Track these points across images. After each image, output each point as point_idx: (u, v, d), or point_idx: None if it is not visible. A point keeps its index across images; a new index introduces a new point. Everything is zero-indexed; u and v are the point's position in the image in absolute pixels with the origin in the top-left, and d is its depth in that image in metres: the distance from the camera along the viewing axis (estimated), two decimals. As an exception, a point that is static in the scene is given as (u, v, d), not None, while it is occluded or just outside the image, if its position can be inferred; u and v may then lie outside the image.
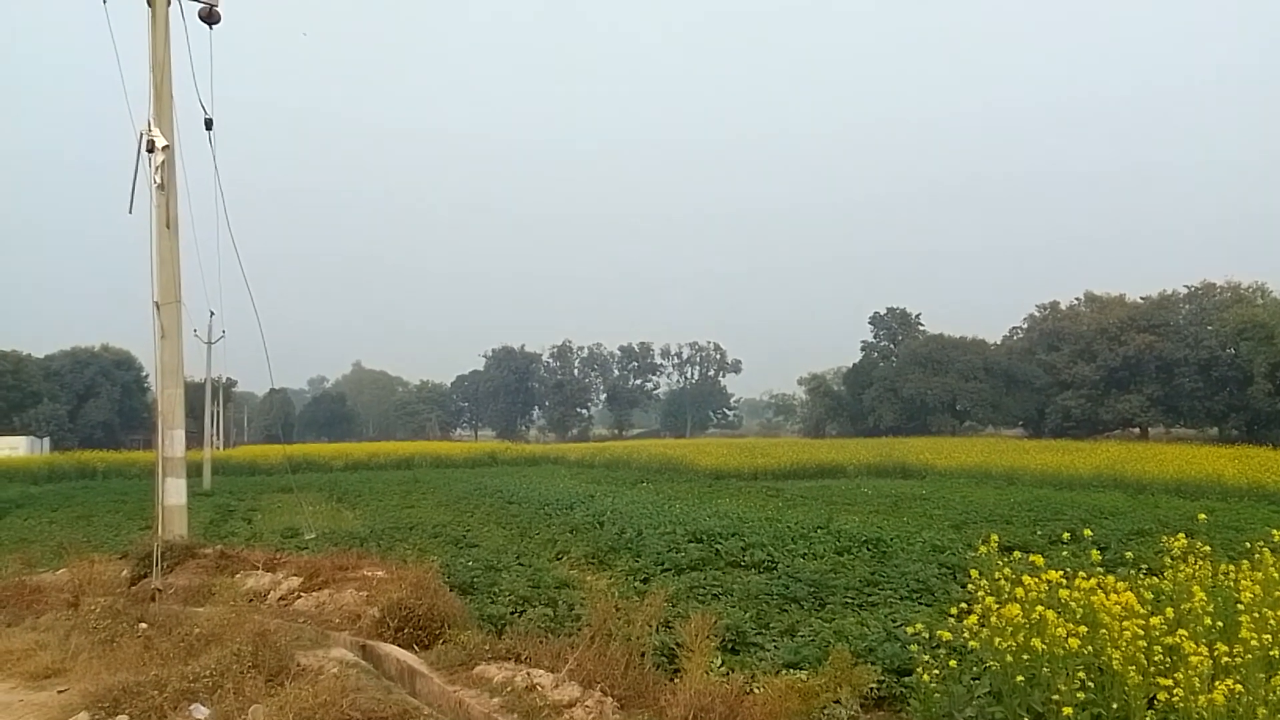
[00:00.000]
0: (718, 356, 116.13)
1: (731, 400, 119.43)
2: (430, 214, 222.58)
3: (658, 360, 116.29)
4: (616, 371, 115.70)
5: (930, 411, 70.60)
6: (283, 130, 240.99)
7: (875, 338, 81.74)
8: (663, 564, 13.71)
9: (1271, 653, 5.15)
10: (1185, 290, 63.86)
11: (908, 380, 71.56)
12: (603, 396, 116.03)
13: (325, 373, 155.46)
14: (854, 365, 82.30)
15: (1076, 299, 70.83)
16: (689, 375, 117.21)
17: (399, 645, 8.07)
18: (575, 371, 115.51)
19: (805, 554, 14.17)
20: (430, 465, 51.56)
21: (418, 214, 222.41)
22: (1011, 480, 31.52)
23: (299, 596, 10.42)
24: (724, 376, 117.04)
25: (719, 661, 7.60)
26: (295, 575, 10.99)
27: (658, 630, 7.99)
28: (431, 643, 8.13)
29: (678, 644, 7.17)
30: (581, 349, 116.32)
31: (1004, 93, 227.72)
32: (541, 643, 7.43)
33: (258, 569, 11.35)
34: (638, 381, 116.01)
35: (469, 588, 11.50)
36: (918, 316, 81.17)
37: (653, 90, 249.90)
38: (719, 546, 14.93)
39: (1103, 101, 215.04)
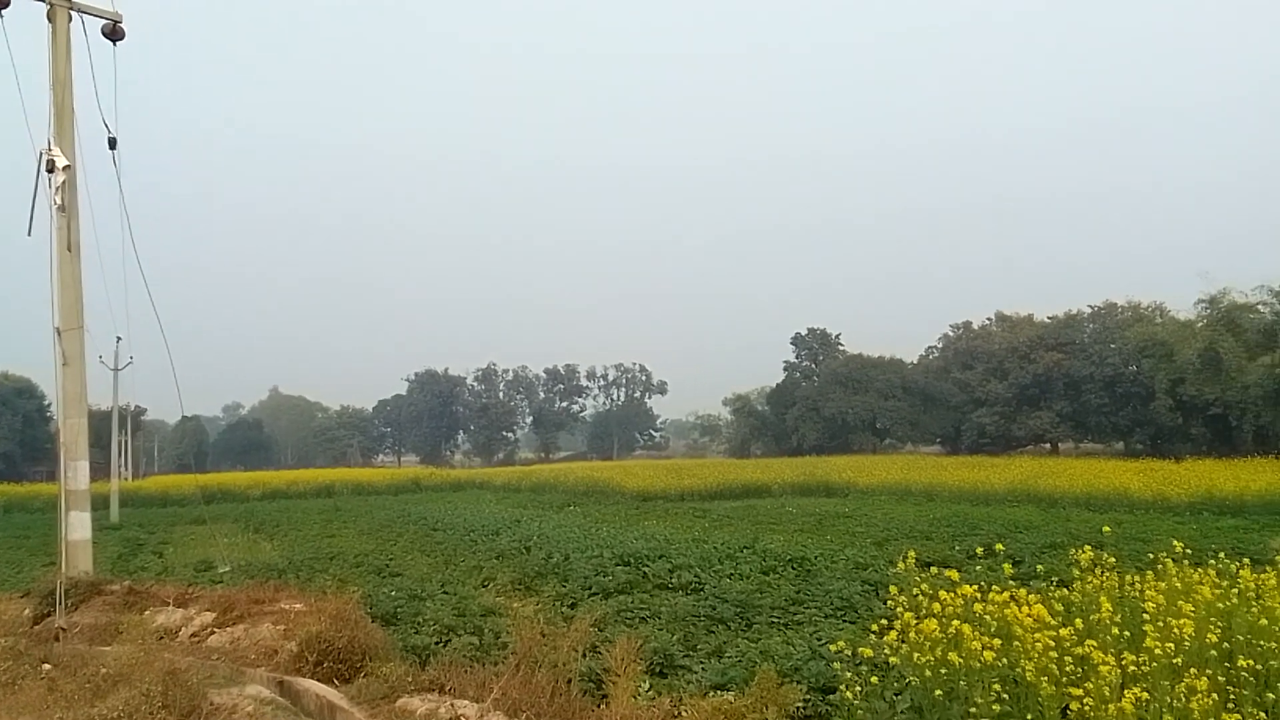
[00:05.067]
0: (644, 378, 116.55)
1: (658, 421, 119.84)
2: (351, 234, 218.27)
3: (584, 382, 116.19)
4: (542, 394, 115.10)
5: (851, 430, 71.88)
6: (195, 144, 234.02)
7: (797, 358, 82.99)
8: (590, 588, 13.64)
9: (1175, 660, 5.38)
10: (1090, 310, 66.43)
11: (829, 399, 72.79)
12: (528, 419, 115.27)
13: (241, 399, 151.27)
14: (777, 385, 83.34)
15: (988, 319, 73.10)
16: (615, 397, 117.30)
17: (318, 680, 7.85)
18: (500, 395, 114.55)
19: (732, 574, 14.25)
20: (352, 492, 50.41)
21: (337, 234, 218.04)
22: (931, 496, 32.24)
23: (212, 632, 10.07)
24: (650, 398, 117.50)
25: (646, 685, 7.59)
26: (208, 610, 10.63)
27: (584, 656, 7.95)
28: (353, 676, 7.93)
29: (605, 669, 7.15)
30: (507, 372, 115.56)
31: (906, 130, 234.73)
32: (466, 672, 7.32)
33: (168, 605, 10.95)
34: (564, 404, 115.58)
35: (392, 618, 11.27)
36: (838, 337, 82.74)
37: (573, 116, 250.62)
38: (646, 569, 14.93)
39: (1008, 135, 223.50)
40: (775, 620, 10.97)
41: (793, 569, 14.72)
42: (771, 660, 8.22)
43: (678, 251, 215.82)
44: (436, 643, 9.75)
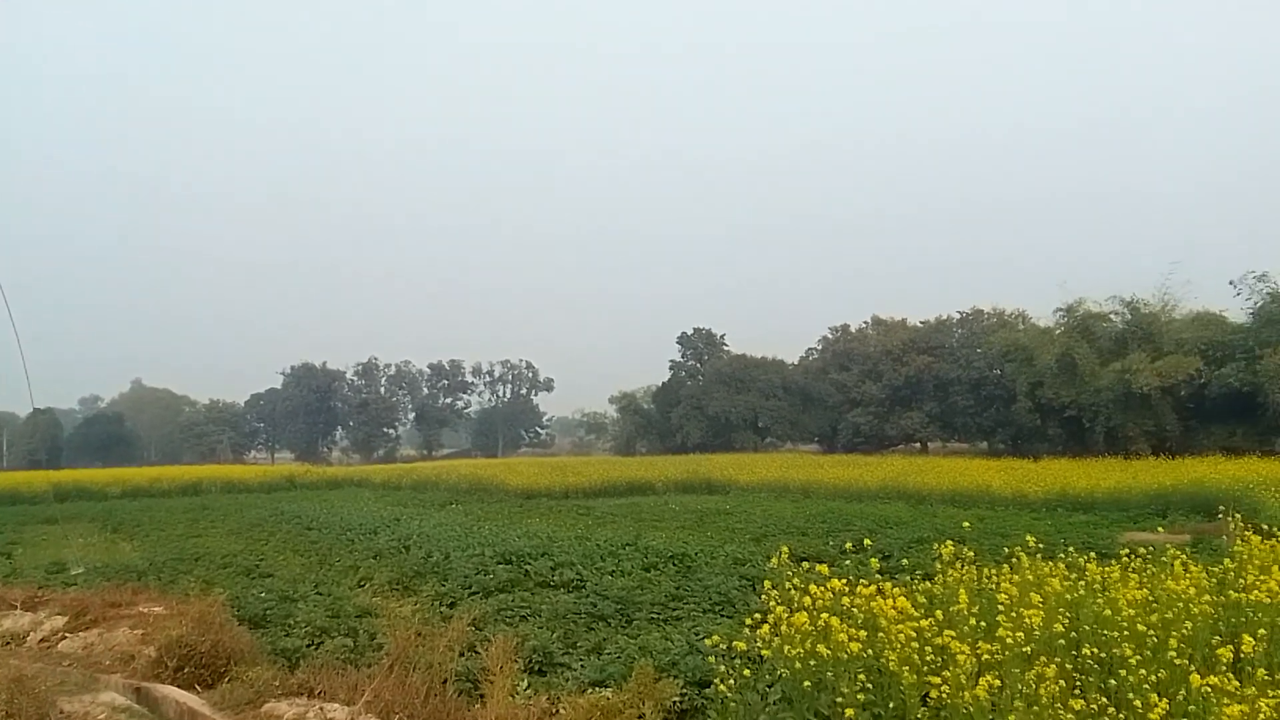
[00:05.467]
0: (530, 375, 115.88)
1: (544, 419, 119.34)
2: (223, 216, 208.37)
3: (469, 378, 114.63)
4: (425, 390, 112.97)
5: (734, 428, 73.28)
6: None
7: (683, 357, 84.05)
8: (470, 587, 13.49)
9: (1026, 649, 5.71)
10: (958, 315, 69.75)
11: (713, 398, 74.01)
12: (411, 416, 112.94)
13: (100, 391, 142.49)
14: (663, 384, 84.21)
15: (865, 322, 75.77)
16: (501, 394, 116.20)
17: (179, 686, 7.52)
18: (382, 390, 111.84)
19: (614, 571, 14.33)
20: (221, 490, 48.24)
21: (208, 216, 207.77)
22: (808, 493, 33.12)
23: (64, 637, 9.52)
24: (536, 395, 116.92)
25: (525, 684, 7.56)
26: (60, 614, 10.05)
27: (462, 655, 7.87)
28: (216, 681, 7.64)
29: (482, 669, 7.09)
30: (389, 366, 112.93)
31: (790, 136, 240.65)
32: (339, 675, 7.14)
33: (15, 608, 10.28)
34: (448, 400, 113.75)
35: (261, 620, 10.87)
36: (722, 337, 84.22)
37: (468, 97, 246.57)
38: (528, 567, 14.86)
39: (885, 145, 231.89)
40: (655, 616, 11.09)
41: (674, 565, 14.90)
42: (650, 656, 8.31)
43: (567, 250, 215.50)
44: (308, 645, 9.46)
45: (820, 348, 77.78)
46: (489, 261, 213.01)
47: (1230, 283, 49.42)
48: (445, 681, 6.53)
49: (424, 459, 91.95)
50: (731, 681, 5.85)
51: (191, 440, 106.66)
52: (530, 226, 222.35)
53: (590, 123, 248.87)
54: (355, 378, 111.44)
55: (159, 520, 28.69)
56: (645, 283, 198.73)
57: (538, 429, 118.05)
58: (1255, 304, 47.76)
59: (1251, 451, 38.27)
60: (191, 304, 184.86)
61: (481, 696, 6.44)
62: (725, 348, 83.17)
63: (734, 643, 6.20)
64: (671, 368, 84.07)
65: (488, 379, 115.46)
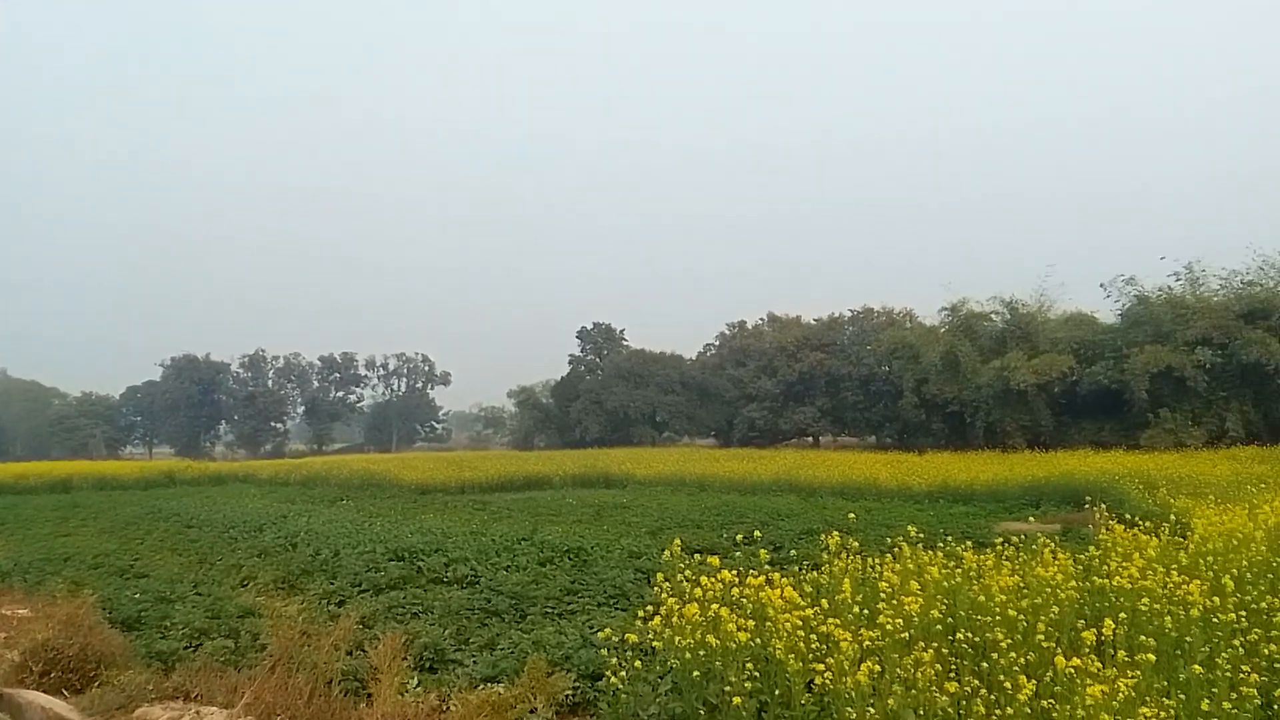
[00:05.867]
0: (426, 368, 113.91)
1: (440, 413, 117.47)
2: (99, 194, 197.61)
3: (362, 372, 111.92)
4: (316, 383, 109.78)
5: (632, 423, 73.67)
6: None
7: (582, 352, 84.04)
8: (360, 585, 13.18)
9: (905, 635, 5.92)
10: (850, 314, 71.81)
11: (612, 393, 74.23)
12: (300, 410, 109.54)
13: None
14: (562, 378, 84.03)
15: (761, 319, 77.25)
16: (395, 387, 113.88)
17: (45, 691, 7.11)
18: (269, 383, 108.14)
19: (509, 566, 14.22)
20: (93, 487, 45.74)
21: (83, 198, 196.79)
22: (703, 487, 33.51)
23: (-86, 645, 8.86)
24: (432, 389, 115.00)
25: (415, 682, 7.44)
26: (-90, 621, 9.36)
27: (349, 654, 7.69)
28: (86, 686, 7.26)
29: (371, 667, 6.94)
30: (277, 359, 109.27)
31: (699, 134, 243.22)
32: (218, 677, 6.89)
33: None
34: (340, 394, 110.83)
35: (135, 623, 10.39)
36: (622, 332, 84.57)
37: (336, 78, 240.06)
38: (421, 563, 14.61)
39: (775, 148, 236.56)
40: (550, 610, 11.06)
41: (569, 559, 14.88)
42: (543, 650, 8.29)
43: (465, 242, 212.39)
44: (185, 647, 9.09)
45: (718, 344, 78.92)
46: (385, 252, 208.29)
47: (1101, 285, 52.43)
48: (331, 682, 6.36)
49: (314, 454, 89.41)
50: (623, 673, 5.89)
51: (61, 435, 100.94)
52: (426, 213, 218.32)
53: (491, 111, 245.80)
54: (241, 370, 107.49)
55: (25, 518, 27.07)
56: (545, 276, 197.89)
57: (434, 423, 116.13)
58: (1123, 306, 50.80)
59: (1118, 445, 40.64)
60: (64, 295, 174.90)
61: (369, 696, 6.31)
62: (625, 342, 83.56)
63: (626, 635, 6.24)
64: (571, 362, 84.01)
65: (382, 372, 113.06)
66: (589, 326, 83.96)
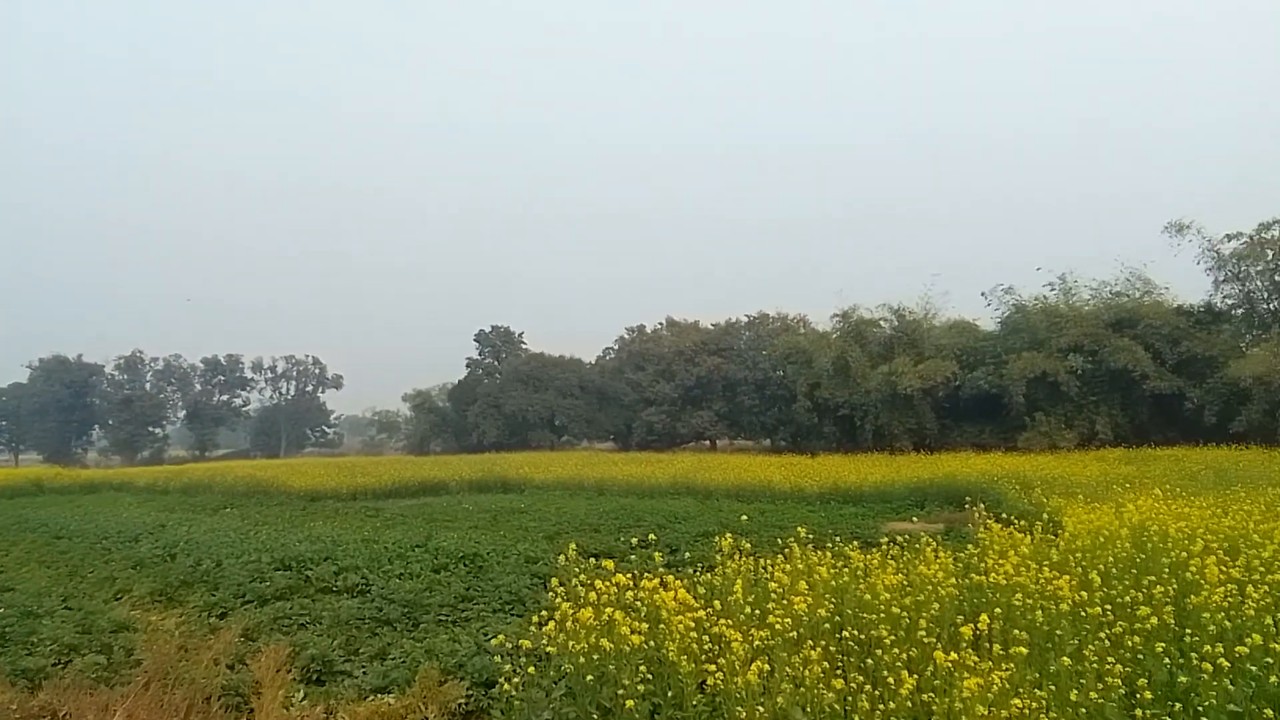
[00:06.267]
0: (317, 371, 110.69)
1: (332, 417, 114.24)
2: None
3: (249, 374, 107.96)
4: (199, 386, 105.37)
5: (531, 427, 73.19)
6: None
7: (480, 355, 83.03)
8: (244, 596, 12.71)
9: (791, 635, 6.06)
10: (746, 319, 73.11)
11: (510, 397, 73.60)
12: (182, 414, 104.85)
13: None
14: (459, 382, 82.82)
15: (660, 323, 77.79)
16: (285, 391, 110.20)
17: (-111, 719, 6.61)
18: (148, 386, 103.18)
19: (402, 574, 13.94)
20: (-49, 497, 42.83)
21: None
22: (602, 491, 33.52)
23: None
24: (324, 392, 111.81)
25: (301, 695, 7.23)
26: None
27: (230, 668, 7.41)
28: (-63, 712, 6.76)
29: (253, 681, 6.70)
30: (156, 360, 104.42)
31: (586, 139, 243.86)
32: (88, 695, 6.52)
33: None
34: (224, 397, 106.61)
35: (-1, 640, 9.77)
36: (521, 335, 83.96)
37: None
38: (310, 572, 14.18)
39: (674, 152, 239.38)
40: (444, 618, 10.89)
41: (465, 566, 14.68)
42: (436, 658, 8.16)
43: (357, 243, 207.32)
44: (54, 664, 8.59)
45: (617, 348, 79.12)
46: (275, 251, 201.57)
47: (982, 294, 54.88)
48: (210, 698, 6.11)
49: (196, 460, 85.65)
50: (516, 680, 5.85)
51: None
52: (319, 217, 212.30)
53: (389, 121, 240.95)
54: (117, 372, 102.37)
55: None
56: (443, 279, 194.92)
57: (325, 428, 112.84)
58: (1003, 314, 53.27)
59: (997, 447, 42.54)
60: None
61: (250, 711, 6.08)
62: (524, 346, 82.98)
63: (520, 641, 6.20)
64: (468, 365, 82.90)
65: (270, 375, 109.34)
66: (487, 330, 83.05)
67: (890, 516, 22.08)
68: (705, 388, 67.95)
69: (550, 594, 6.74)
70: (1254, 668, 5.70)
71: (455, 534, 19.78)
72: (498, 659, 6.24)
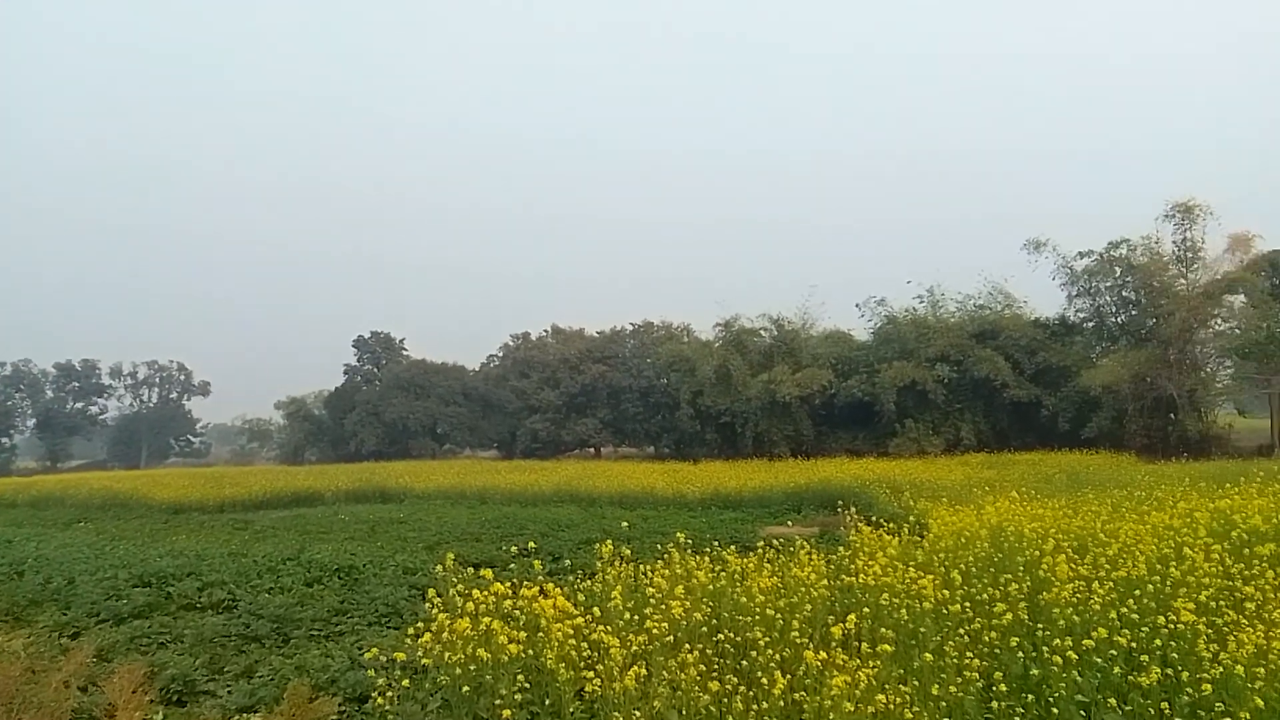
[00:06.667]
0: (182, 377, 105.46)
1: (198, 426, 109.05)
2: None
3: (106, 381, 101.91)
4: (50, 393, 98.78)
5: (412, 435, 71.69)
6: None
7: (359, 361, 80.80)
8: (99, 614, 11.97)
9: (669, 639, 6.14)
10: (631, 327, 73.56)
11: (390, 404, 71.89)
12: (31, 423, 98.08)
13: None
14: (336, 389, 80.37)
15: (545, 330, 77.46)
16: (146, 398, 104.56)
17: None
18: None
19: (272, 588, 13.41)
20: None
21: None
22: (484, 499, 33.08)
23: None
24: (189, 399, 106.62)
25: (160, 716, 6.89)
26: None
27: (83, 691, 6.99)
28: None
29: (107, 704, 6.34)
30: (3, 365, 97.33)
31: (459, 142, 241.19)
32: (-84, 729, 6.03)
33: None
34: (79, 405, 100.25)
35: None
36: (402, 341, 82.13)
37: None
38: (171, 589, 13.49)
39: (559, 155, 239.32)
40: (317, 633, 10.54)
41: (340, 578, 14.26)
42: (307, 674, 7.90)
43: (231, 242, 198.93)
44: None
45: (501, 355, 78.36)
46: (135, 251, 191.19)
47: (857, 305, 56.98)
48: (58, 723, 5.75)
49: (47, 472, 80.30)
50: (390, 693, 5.72)
51: None
52: (179, 214, 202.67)
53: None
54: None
55: None
56: (319, 282, 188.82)
57: (190, 437, 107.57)
58: (875, 325, 55.45)
59: (870, 453, 44.17)
60: None
61: (104, 735, 5.76)
62: (405, 352, 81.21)
63: (395, 654, 6.07)
64: (346, 372, 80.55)
65: (130, 381, 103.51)
66: (366, 336, 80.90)
67: (768, 521, 22.59)
68: (590, 395, 68.02)
69: (427, 605, 6.62)
70: (1100, 659, 6.10)
71: (330, 546, 19.17)
72: (371, 673, 6.09)
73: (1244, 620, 6.28)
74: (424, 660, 5.90)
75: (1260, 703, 5.12)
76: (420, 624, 6.44)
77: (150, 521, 28.47)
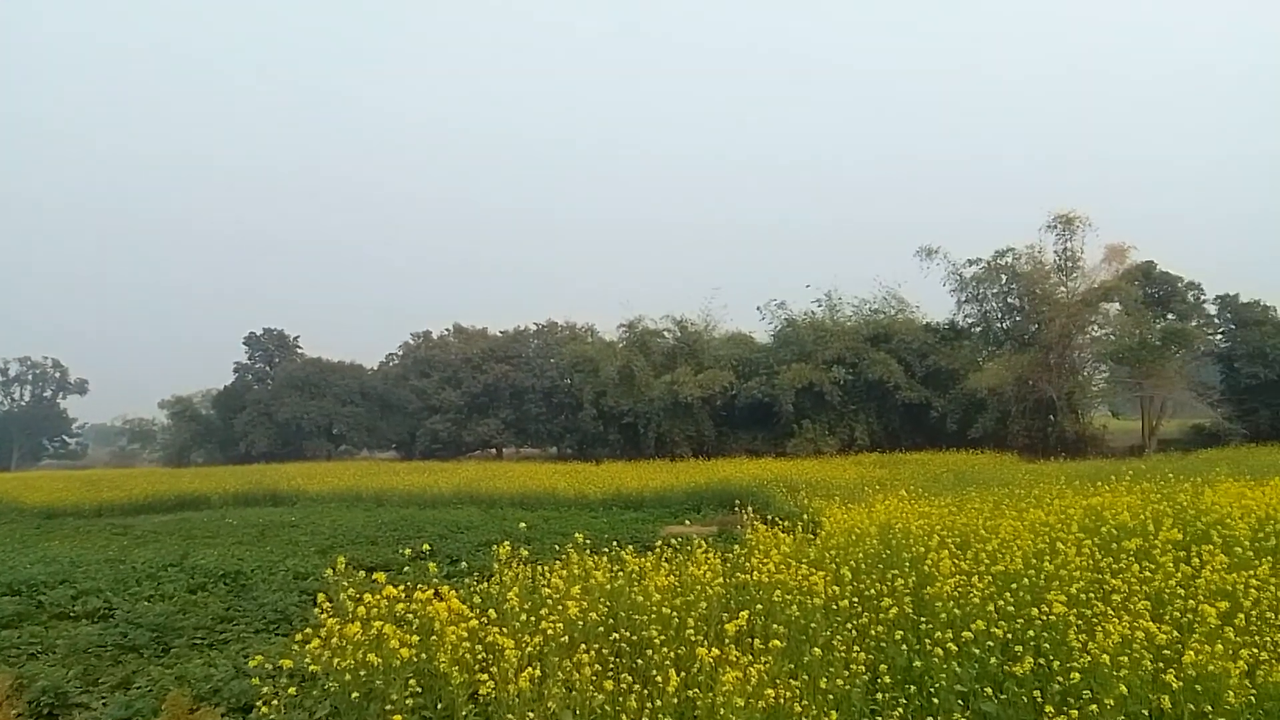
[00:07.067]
0: (57, 375, 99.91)
1: (74, 426, 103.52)
2: None
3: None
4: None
5: (306, 436, 69.66)
6: None
7: (250, 359, 77.96)
8: (-40, 626, 11.27)
9: (564, 639, 6.14)
10: (535, 327, 73.14)
11: (284, 404, 69.65)
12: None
13: None
14: (226, 388, 77.38)
15: (447, 329, 76.34)
16: (17, 396, 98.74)
17: None
18: None
19: (152, 596, 12.86)
20: None
21: None
22: (381, 501, 32.41)
23: None
24: (65, 398, 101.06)
25: (26, 733, 6.53)
26: None
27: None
28: None
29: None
30: None
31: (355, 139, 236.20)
32: None
33: None
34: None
35: None
36: (296, 339, 79.56)
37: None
38: (43, 597, 12.80)
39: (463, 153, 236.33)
40: (200, 641, 10.16)
41: (225, 585, 13.76)
42: (189, 684, 7.61)
43: (109, 238, 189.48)
44: None
45: (401, 354, 76.85)
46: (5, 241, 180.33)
47: (758, 308, 58.08)
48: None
49: (-96, 475, 75.01)
50: (276, 702, 5.56)
51: None
52: (50, 202, 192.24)
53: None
54: None
55: None
56: (206, 277, 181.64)
57: (65, 437, 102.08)
58: (775, 327, 56.59)
59: (769, 453, 45.05)
60: None
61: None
62: (299, 350, 78.72)
63: (281, 661, 5.90)
64: (237, 370, 77.63)
65: (0, 379, 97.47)
66: (258, 333, 78.10)
67: (669, 521, 22.77)
68: (492, 395, 67.32)
69: (317, 610, 6.45)
70: (978, 650, 6.37)
71: (216, 551, 18.48)
72: (256, 681, 5.90)
73: (1111, 611, 6.63)
74: (312, 667, 5.74)
75: (1124, 689, 5.42)
76: (309, 630, 6.26)
77: (21, 527, 26.91)
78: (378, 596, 6.02)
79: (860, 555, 9.59)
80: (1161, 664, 5.77)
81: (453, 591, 6.56)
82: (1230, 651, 5.72)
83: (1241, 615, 6.47)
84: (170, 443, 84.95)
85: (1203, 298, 49.38)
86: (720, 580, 8.06)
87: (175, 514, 31.63)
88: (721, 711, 5.16)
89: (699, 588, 7.73)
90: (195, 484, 38.77)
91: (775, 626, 6.94)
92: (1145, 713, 5.44)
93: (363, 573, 7.18)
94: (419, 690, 5.52)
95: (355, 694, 5.38)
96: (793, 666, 6.40)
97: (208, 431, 77.12)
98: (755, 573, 8.28)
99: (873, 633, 7.11)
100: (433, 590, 6.56)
